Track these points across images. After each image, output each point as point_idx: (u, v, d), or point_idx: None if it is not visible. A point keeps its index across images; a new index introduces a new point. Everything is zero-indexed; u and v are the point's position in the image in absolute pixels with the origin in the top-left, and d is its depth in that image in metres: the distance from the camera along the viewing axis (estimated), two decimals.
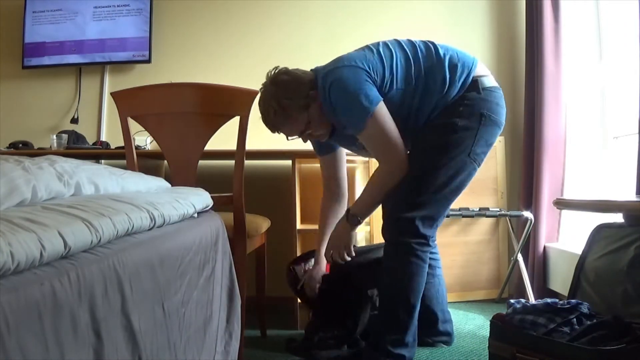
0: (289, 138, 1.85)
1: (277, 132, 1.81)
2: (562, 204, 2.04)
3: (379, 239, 2.74)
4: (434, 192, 1.71)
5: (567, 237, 2.66)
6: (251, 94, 1.77)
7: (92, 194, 1.00)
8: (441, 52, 1.76)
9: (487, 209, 2.71)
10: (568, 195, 2.62)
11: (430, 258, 2.00)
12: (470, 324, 2.32)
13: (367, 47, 1.79)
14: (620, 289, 1.64)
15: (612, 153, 2.62)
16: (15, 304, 0.52)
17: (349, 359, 1.85)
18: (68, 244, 0.65)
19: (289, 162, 2.53)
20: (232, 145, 1.76)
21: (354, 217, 1.81)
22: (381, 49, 1.75)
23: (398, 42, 1.80)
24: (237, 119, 1.76)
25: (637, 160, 2.01)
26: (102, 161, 2.81)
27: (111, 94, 1.85)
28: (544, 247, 2.62)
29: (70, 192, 0.92)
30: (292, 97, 1.73)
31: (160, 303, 0.92)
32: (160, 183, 1.38)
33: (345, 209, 1.92)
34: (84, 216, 0.74)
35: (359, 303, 1.94)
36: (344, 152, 2.07)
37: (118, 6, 3.03)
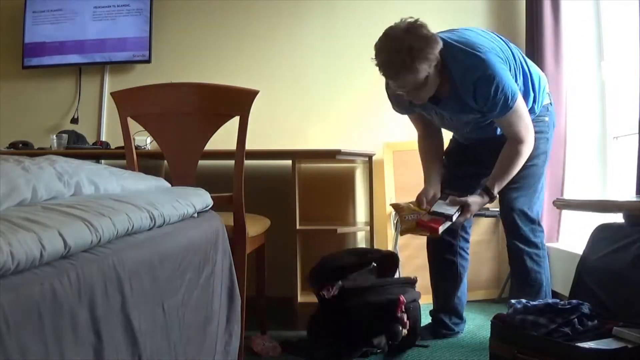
0: (398, 92, 1.84)
1: (395, 81, 1.78)
2: (562, 204, 2.04)
3: (379, 241, 2.74)
4: None
5: (567, 237, 2.65)
6: (251, 94, 1.76)
7: (92, 194, 0.99)
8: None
9: (487, 209, 2.70)
10: (568, 195, 2.61)
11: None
12: (470, 324, 2.32)
13: (493, 39, 1.89)
14: (621, 289, 1.64)
15: (612, 153, 2.61)
16: (15, 304, 0.52)
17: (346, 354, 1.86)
18: (68, 244, 0.65)
19: (289, 162, 2.53)
20: (232, 145, 1.76)
21: (492, 192, 1.90)
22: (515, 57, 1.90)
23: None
24: (237, 119, 1.76)
25: (637, 160, 2.01)
26: (102, 161, 2.81)
27: (111, 94, 1.85)
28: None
29: (70, 192, 0.92)
30: (428, 54, 1.71)
31: (160, 303, 0.92)
32: (160, 183, 1.38)
33: (442, 145, 2.12)
34: (84, 216, 0.74)
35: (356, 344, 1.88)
36: None
37: (118, 6, 3.03)
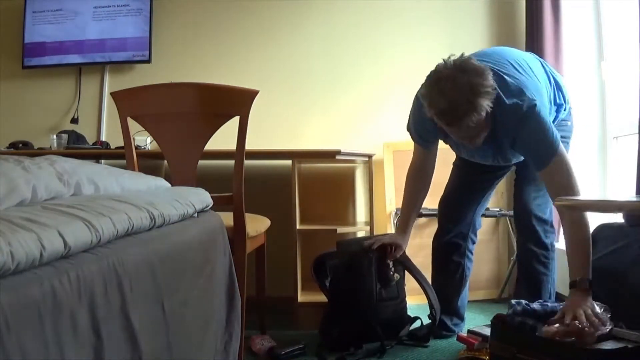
0: (460, 138, 1.74)
1: (459, 125, 1.61)
2: (562, 204, 2.03)
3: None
4: None
5: None
6: (251, 94, 1.76)
7: (92, 194, 0.99)
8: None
9: (487, 208, 2.70)
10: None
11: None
12: (470, 324, 2.31)
13: (538, 78, 1.79)
14: (621, 289, 1.64)
15: (612, 153, 2.61)
16: (15, 304, 0.52)
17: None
18: (68, 244, 0.65)
19: (288, 162, 2.53)
20: (232, 145, 1.76)
21: (587, 281, 1.57)
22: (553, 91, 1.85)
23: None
24: (237, 119, 1.76)
25: (637, 160, 2.00)
26: (102, 161, 2.81)
27: (111, 94, 1.85)
28: None
29: (70, 192, 0.92)
30: (487, 87, 1.56)
31: (160, 303, 0.92)
32: (160, 183, 1.38)
33: (426, 193, 2.09)
34: (84, 216, 0.74)
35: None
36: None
37: (118, 6, 3.03)
